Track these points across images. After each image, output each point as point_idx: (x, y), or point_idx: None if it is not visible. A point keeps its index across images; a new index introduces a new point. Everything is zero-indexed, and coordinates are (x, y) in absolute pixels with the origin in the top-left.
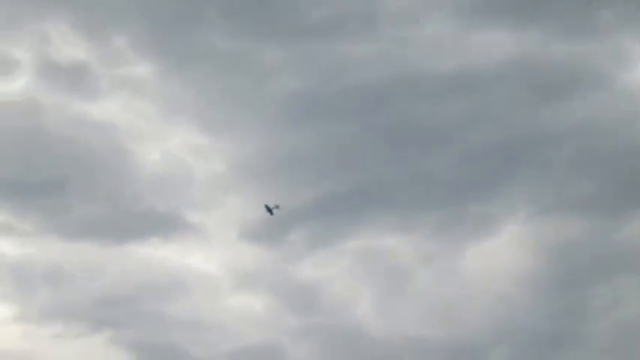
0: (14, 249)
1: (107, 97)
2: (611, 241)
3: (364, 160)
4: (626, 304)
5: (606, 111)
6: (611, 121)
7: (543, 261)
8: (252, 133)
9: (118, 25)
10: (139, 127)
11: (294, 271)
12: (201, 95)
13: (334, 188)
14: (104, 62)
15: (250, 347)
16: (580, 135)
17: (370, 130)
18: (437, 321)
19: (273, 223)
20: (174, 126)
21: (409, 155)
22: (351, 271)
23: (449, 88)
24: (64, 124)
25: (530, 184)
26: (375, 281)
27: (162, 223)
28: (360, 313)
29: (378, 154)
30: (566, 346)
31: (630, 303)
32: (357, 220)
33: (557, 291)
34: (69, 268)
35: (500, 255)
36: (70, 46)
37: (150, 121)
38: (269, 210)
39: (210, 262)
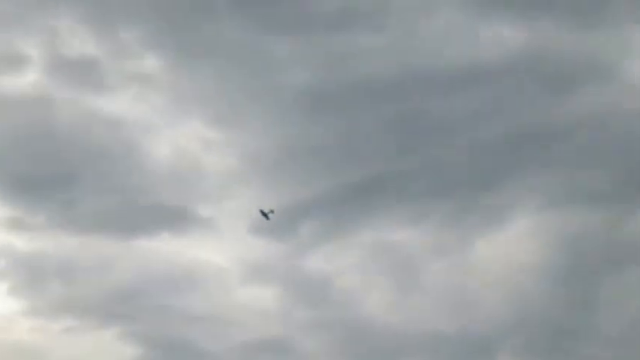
0: (25, 244)
1: (117, 91)
2: (621, 233)
3: (375, 153)
4: (637, 294)
5: (617, 103)
6: (622, 113)
7: (555, 252)
8: (262, 126)
9: (127, 19)
10: (149, 120)
11: (304, 264)
12: (211, 89)
13: (344, 181)
14: (114, 56)
15: (261, 340)
16: (591, 127)
17: (380, 122)
18: (448, 313)
19: (284, 216)
20: (184, 119)
21: (420, 147)
22: (362, 264)
23: (459, 80)
24: (74, 119)
25: (541, 175)
26: (385, 274)
27: (173, 217)
28: (371, 305)
29: (389, 147)
30: (579, 337)
31: None
32: (368, 213)
33: (569, 282)
34: (79, 263)
35: (511, 246)
36: (79, 41)
37: (160, 115)
38: (264, 215)
39: (220, 255)
